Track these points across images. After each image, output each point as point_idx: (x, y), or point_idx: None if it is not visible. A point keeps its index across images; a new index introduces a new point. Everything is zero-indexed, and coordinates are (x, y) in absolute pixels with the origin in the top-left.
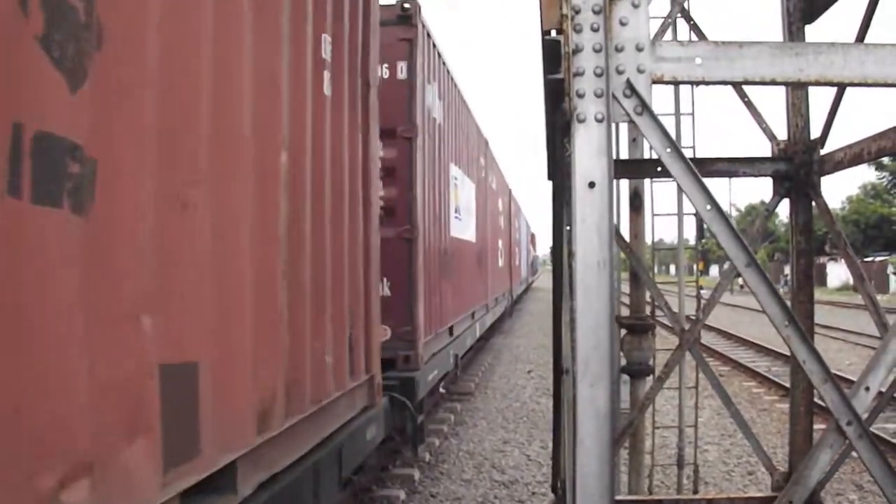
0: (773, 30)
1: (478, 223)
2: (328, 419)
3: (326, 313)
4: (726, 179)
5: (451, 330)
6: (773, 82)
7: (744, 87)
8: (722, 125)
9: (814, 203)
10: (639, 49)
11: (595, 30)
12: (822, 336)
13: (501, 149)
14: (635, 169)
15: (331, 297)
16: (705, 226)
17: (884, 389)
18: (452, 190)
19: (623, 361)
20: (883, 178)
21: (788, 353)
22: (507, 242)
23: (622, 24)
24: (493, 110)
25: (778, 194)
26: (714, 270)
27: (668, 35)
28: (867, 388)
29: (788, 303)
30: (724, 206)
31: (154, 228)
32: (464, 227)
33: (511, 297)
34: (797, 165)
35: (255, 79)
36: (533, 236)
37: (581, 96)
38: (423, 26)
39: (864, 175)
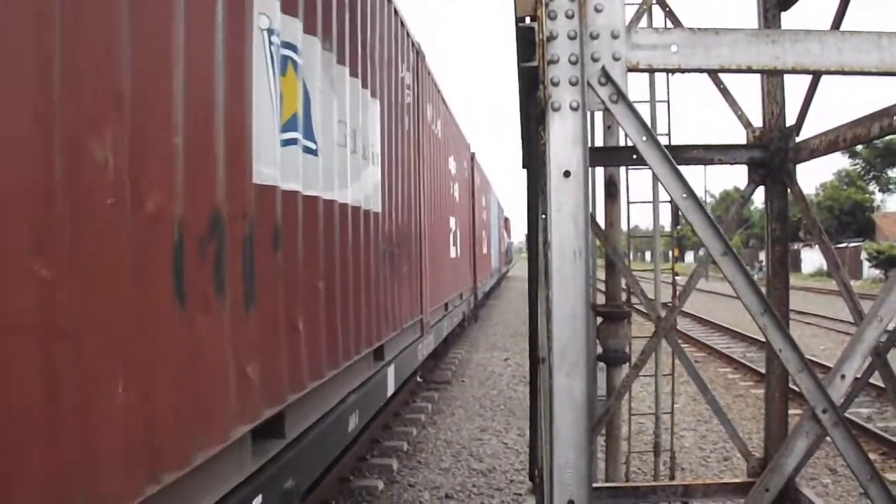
0: (748, 15)
1: (393, 179)
2: None
3: None
4: (701, 167)
5: (277, 428)
6: (750, 70)
7: (719, 74)
8: (697, 112)
9: (789, 190)
10: (614, 36)
11: (570, 17)
12: (796, 322)
13: (491, 146)
14: (610, 157)
15: None
16: (681, 213)
17: (858, 376)
18: (264, 61)
19: (599, 349)
20: (857, 164)
21: (763, 340)
22: (469, 223)
23: (597, 10)
24: (490, 108)
25: (753, 182)
26: (689, 257)
27: (644, 22)
28: (843, 376)
29: (764, 290)
30: (699, 194)
31: None
32: (332, 174)
33: (475, 297)
34: (772, 153)
35: None
36: (507, 220)
37: (556, 84)
38: None
39: (838, 162)
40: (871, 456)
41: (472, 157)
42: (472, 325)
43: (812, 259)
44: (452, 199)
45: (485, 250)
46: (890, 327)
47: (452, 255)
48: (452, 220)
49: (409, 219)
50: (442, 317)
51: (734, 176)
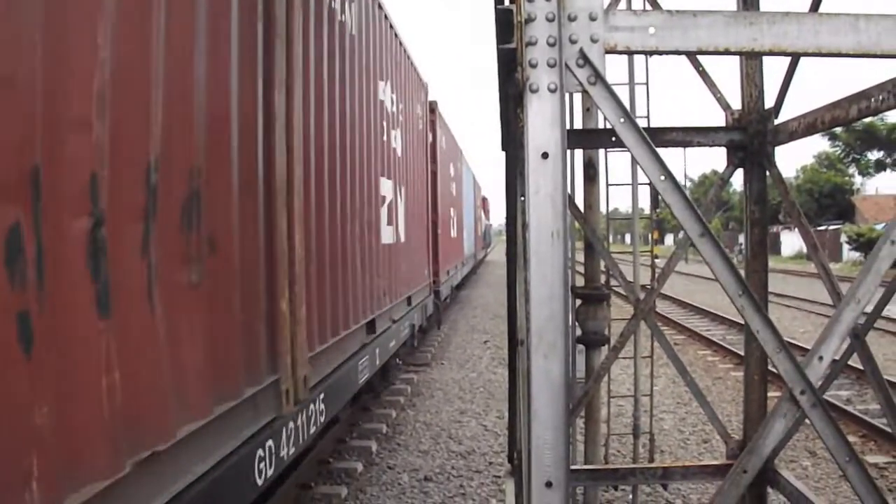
0: None
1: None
2: None
3: None
4: (681, 149)
5: None
6: (727, 52)
7: (698, 56)
8: (677, 95)
9: (768, 172)
10: (592, 18)
11: None
12: (776, 304)
13: (471, 127)
14: (589, 139)
15: None
16: (660, 196)
17: (837, 358)
18: None
19: (578, 331)
20: (837, 147)
21: (743, 322)
22: (425, 195)
23: None
24: (474, 94)
25: (732, 164)
26: (669, 239)
27: (623, 4)
28: (821, 358)
29: (742, 272)
30: (679, 177)
31: None
32: None
33: (436, 296)
34: (751, 135)
35: None
36: (485, 200)
37: (534, 66)
38: None
39: (818, 145)
40: (851, 438)
41: (433, 107)
42: (435, 330)
43: (791, 241)
44: (389, 151)
45: (454, 233)
46: (868, 309)
47: (387, 239)
48: (388, 186)
49: (223, 156)
50: (355, 353)
51: (714, 160)
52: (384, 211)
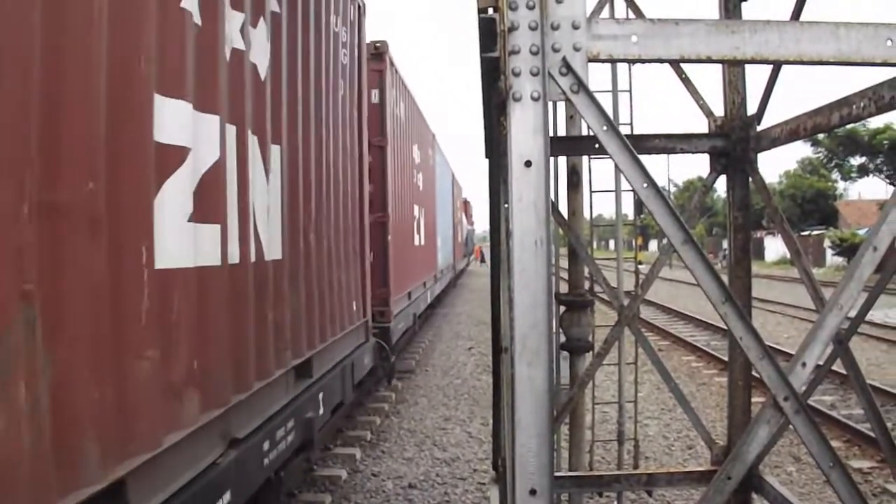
0: (710, 6)
1: None
2: None
3: None
4: (665, 156)
5: None
6: (710, 60)
7: (681, 64)
8: (661, 102)
9: (751, 178)
10: (575, 27)
11: (531, 7)
12: (760, 310)
13: (457, 142)
14: (573, 146)
15: None
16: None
17: (821, 363)
18: None
19: (562, 338)
20: (819, 153)
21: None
22: (360, 186)
23: (558, 1)
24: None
25: (715, 170)
26: (653, 245)
27: (606, 13)
28: (804, 364)
29: (726, 278)
30: (663, 183)
31: None
32: None
33: (383, 344)
34: (734, 142)
35: None
36: (466, 203)
37: (517, 74)
38: None
39: (801, 150)
40: (835, 443)
41: (381, 49)
42: (416, 339)
43: (776, 247)
44: (215, 53)
45: (420, 240)
46: (851, 314)
47: (189, 259)
48: (196, 125)
49: None
50: None
51: (699, 165)
52: (177, 183)
